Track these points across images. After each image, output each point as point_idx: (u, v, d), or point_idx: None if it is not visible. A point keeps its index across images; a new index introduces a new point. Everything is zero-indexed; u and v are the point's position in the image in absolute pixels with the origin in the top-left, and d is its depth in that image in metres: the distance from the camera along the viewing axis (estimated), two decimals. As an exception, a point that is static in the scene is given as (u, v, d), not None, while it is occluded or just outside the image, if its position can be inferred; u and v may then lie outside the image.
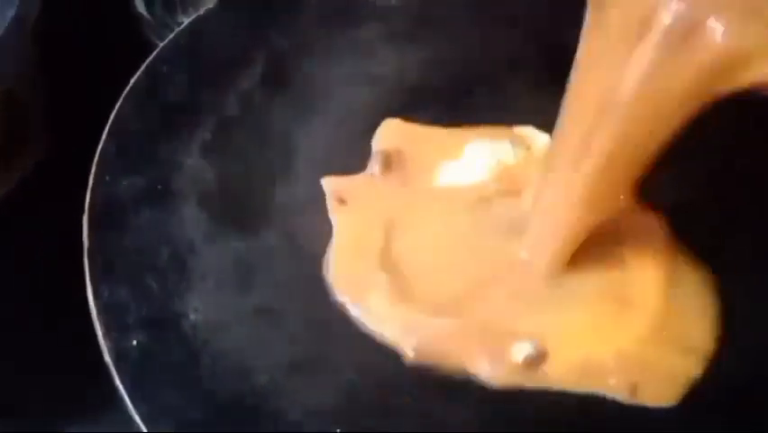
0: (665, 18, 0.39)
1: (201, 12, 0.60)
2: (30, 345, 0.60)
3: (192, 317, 0.47)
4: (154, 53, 0.58)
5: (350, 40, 0.61)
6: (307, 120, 0.58)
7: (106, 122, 0.53)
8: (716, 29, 0.37)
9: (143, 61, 0.57)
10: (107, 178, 0.51)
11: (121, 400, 0.41)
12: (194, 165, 0.54)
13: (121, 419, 0.42)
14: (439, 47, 0.62)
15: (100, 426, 0.59)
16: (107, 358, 0.43)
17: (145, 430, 0.41)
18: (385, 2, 0.63)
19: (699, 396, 0.46)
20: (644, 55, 0.40)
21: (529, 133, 0.58)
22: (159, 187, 0.52)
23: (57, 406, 0.60)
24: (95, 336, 0.44)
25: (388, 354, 0.47)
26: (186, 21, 0.61)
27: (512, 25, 0.62)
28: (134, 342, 0.44)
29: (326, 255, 0.52)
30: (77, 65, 0.64)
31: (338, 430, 0.42)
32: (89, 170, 0.50)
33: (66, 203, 0.49)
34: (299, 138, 0.57)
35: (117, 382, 0.42)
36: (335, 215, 0.53)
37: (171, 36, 0.59)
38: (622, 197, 0.49)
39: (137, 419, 0.41)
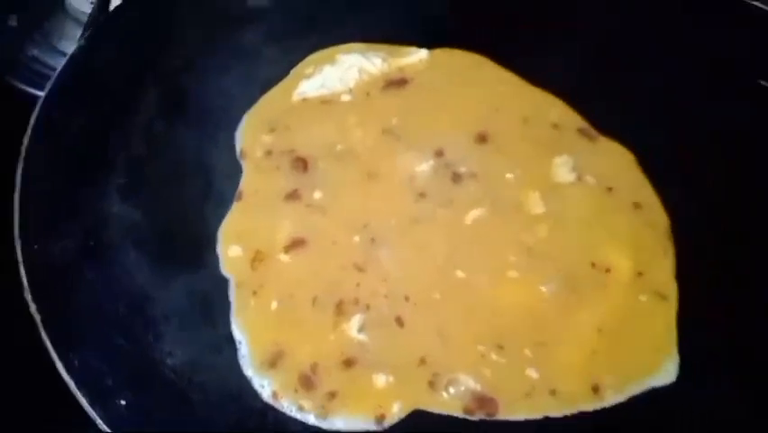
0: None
1: (73, 50, 0.58)
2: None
3: (169, 361, 0.48)
4: (39, 104, 0.56)
5: (235, 45, 0.62)
6: (214, 136, 0.59)
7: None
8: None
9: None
10: (35, 247, 0.50)
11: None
12: (119, 212, 0.54)
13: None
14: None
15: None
16: (104, 428, 0.44)
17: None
18: (258, 2, 0.64)
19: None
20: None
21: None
22: (91, 243, 0.52)
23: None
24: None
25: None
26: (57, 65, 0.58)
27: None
28: (122, 402, 0.45)
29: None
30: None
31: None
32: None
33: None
34: (212, 156, 0.58)
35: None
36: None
37: (52, 81, 0.57)
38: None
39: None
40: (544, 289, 0.54)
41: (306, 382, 0.49)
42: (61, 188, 0.54)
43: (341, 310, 0.52)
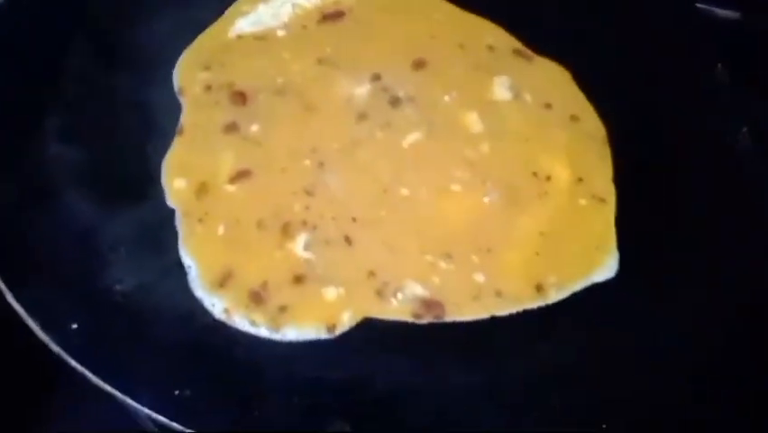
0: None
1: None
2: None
3: (119, 287, 0.49)
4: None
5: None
6: (151, 76, 0.60)
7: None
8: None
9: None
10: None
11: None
12: (58, 153, 0.55)
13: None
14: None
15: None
16: (55, 348, 0.45)
17: (129, 400, 0.44)
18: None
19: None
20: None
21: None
22: (33, 185, 0.52)
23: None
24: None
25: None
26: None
27: None
28: (74, 326, 0.46)
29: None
30: None
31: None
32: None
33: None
34: (150, 94, 0.59)
35: (74, 363, 0.44)
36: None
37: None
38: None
39: (116, 393, 0.44)
40: (486, 199, 0.56)
41: (257, 298, 0.50)
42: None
43: (286, 231, 0.53)
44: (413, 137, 0.58)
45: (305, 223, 0.53)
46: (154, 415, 0.43)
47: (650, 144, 0.60)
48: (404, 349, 0.50)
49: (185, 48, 0.63)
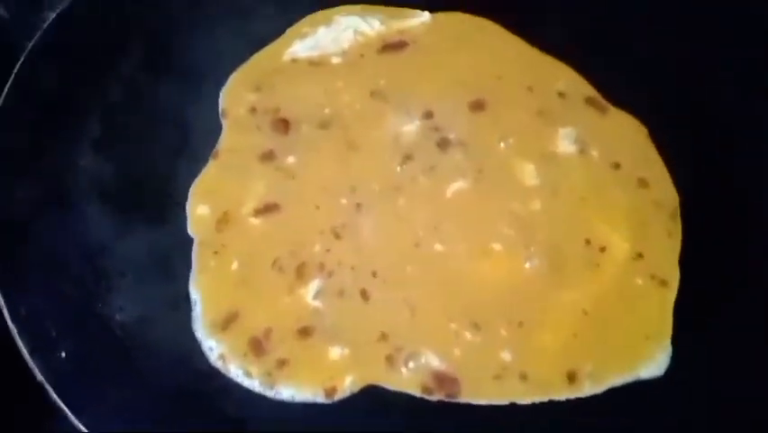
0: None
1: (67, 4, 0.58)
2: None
3: (118, 317, 0.47)
4: (25, 54, 0.55)
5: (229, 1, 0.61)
6: (197, 93, 0.58)
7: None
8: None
9: (12, 65, 0.55)
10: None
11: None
12: (88, 163, 0.53)
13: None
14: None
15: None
16: (39, 377, 0.43)
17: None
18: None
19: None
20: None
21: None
22: (56, 192, 0.51)
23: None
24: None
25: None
26: (52, 15, 0.58)
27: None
28: (63, 354, 0.44)
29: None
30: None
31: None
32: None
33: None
34: (192, 112, 0.57)
35: (55, 397, 0.42)
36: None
37: (40, 33, 0.56)
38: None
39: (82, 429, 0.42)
40: (528, 265, 0.50)
41: (257, 347, 0.47)
42: (34, 138, 0.53)
43: (301, 273, 0.49)
44: (458, 185, 0.53)
45: (321, 267, 0.50)
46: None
47: (727, 224, 0.52)
48: (407, 427, 0.45)
49: (237, 67, 0.60)
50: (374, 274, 0.50)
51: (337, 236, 0.51)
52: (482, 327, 0.48)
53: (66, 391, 0.43)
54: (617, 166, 0.55)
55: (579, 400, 0.47)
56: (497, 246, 0.51)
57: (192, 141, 0.56)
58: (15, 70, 0.55)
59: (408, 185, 0.53)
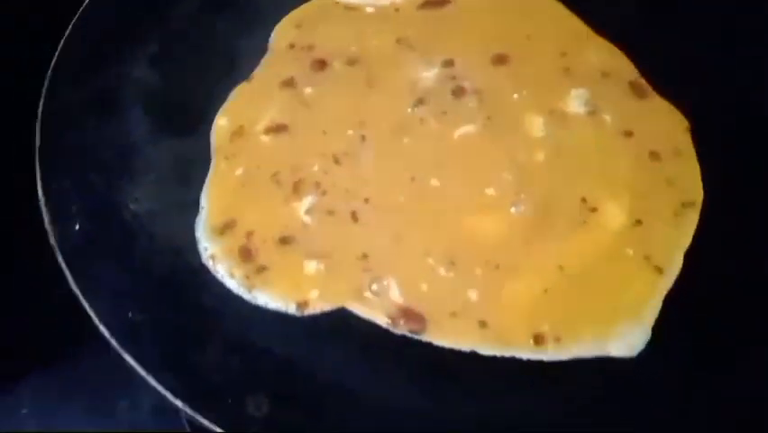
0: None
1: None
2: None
3: (132, 206, 0.51)
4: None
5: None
6: (249, 30, 0.62)
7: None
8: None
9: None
10: (61, 87, 0.56)
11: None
12: (142, 76, 0.59)
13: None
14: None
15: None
16: (52, 242, 0.48)
17: (86, 305, 0.46)
18: None
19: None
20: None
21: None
22: (107, 97, 0.56)
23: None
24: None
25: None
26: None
27: None
28: (77, 227, 0.49)
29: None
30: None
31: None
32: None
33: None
34: (240, 47, 0.61)
35: (61, 261, 0.47)
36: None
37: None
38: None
39: (78, 294, 0.46)
40: (514, 210, 0.50)
41: (245, 254, 0.50)
42: (99, 48, 0.59)
43: (297, 188, 0.52)
44: (465, 129, 0.54)
45: (317, 186, 0.52)
46: (96, 319, 0.45)
47: (749, 231, 0.50)
48: (365, 355, 0.47)
49: (293, 7, 0.63)
50: (366, 200, 0.52)
51: (337, 161, 0.53)
52: (458, 265, 0.49)
53: (71, 257, 0.48)
54: (628, 134, 0.54)
55: (543, 364, 0.46)
56: (490, 190, 0.52)
57: (237, 68, 0.60)
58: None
59: (416, 126, 0.55)
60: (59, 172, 0.52)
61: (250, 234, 0.51)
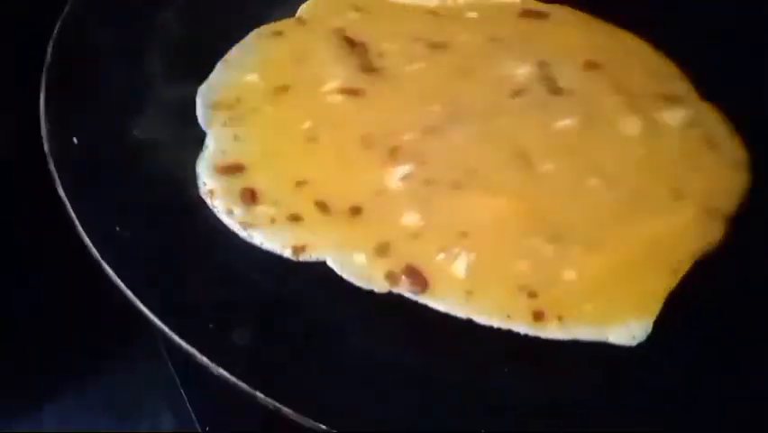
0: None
1: None
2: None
3: (136, 132, 0.50)
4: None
5: None
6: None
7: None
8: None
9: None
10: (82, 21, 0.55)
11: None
12: (164, 20, 0.58)
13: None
14: None
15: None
16: (45, 149, 0.46)
17: (71, 210, 0.44)
18: None
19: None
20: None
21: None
22: (130, 39, 0.55)
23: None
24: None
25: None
26: None
27: None
28: (75, 140, 0.47)
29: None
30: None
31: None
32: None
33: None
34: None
35: (55, 176, 0.45)
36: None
37: None
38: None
39: (68, 206, 0.44)
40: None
41: (247, 196, 0.48)
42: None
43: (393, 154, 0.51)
44: (565, 122, 0.54)
45: (415, 154, 0.51)
46: (79, 227, 0.42)
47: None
48: (355, 303, 0.45)
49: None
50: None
51: (428, 133, 0.52)
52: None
53: (63, 166, 0.46)
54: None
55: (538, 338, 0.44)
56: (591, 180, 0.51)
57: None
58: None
59: (515, 111, 0.54)
60: (69, 90, 0.50)
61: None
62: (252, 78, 0.56)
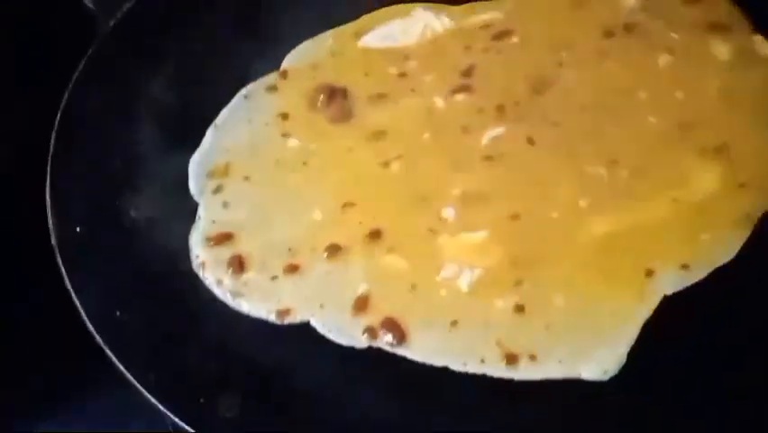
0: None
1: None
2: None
3: (133, 213, 0.54)
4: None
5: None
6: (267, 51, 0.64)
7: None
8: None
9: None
10: (80, 97, 0.59)
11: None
12: (158, 91, 0.61)
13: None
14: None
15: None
16: (53, 242, 0.51)
17: (77, 302, 0.48)
18: None
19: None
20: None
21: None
22: (123, 108, 0.60)
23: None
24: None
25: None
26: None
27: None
28: (78, 229, 0.52)
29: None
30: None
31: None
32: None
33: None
34: (255, 66, 0.64)
35: (59, 260, 0.50)
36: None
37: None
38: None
39: (73, 295, 0.49)
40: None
41: (236, 264, 0.52)
42: (122, 69, 0.62)
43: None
44: (665, 59, 0.58)
45: None
46: (84, 316, 0.47)
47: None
48: (341, 365, 0.48)
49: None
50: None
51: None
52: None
53: (69, 257, 0.51)
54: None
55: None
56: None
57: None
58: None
59: (614, 52, 0.59)
60: (69, 178, 0.55)
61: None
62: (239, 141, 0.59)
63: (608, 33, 0.61)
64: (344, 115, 0.60)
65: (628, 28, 0.61)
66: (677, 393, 0.45)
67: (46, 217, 0.53)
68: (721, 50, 0.59)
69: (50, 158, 0.56)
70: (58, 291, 0.49)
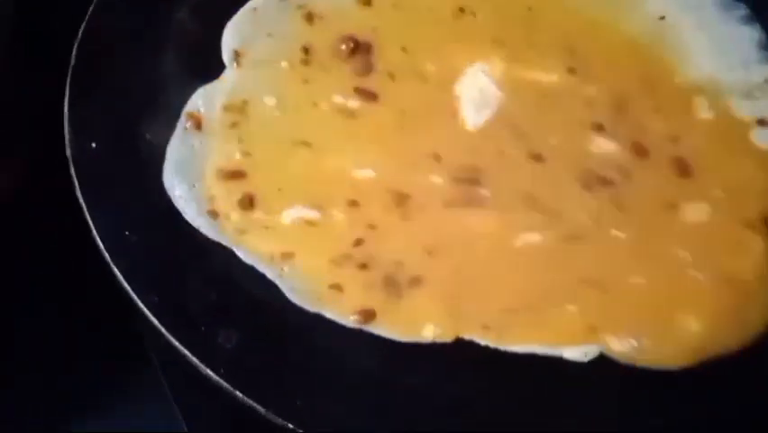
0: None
1: None
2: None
3: (149, 136, 0.55)
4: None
5: None
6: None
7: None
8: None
9: None
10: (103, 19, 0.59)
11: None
12: (181, 18, 0.61)
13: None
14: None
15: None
16: (68, 153, 0.51)
17: (90, 222, 0.49)
18: None
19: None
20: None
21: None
22: (147, 32, 0.60)
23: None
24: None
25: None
26: None
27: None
28: (93, 144, 0.53)
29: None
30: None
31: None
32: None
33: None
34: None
35: (73, 176, 0.51)
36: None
37: None
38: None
39: (85, 210, 0.50)
40: None
41: (246, 202, 0.53)
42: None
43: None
44: None
45: None
46: (94, 231, 0.48)
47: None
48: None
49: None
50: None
51: None
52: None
53: (83, 171, 0.52)
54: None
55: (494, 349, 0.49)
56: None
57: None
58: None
59: None
60: (88, 97, 0.55)
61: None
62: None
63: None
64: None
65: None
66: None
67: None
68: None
69: (69, 73, 0.56)
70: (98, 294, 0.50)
